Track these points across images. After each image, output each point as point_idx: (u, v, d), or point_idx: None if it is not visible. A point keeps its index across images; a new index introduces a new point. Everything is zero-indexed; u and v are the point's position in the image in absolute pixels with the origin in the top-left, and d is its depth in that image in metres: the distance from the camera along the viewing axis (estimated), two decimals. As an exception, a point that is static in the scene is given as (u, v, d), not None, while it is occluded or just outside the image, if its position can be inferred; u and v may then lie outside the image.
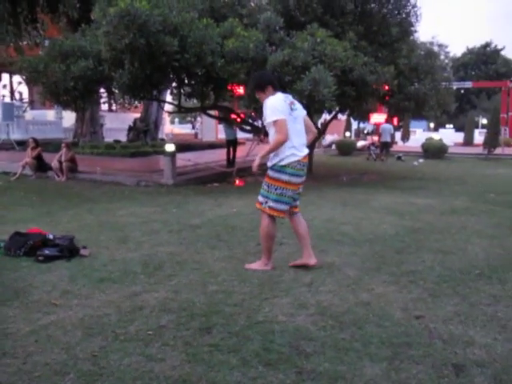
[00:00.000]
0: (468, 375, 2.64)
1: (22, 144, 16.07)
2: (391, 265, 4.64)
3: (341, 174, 13.29)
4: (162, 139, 21.85)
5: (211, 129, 26.08)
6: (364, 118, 25.09)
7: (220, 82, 9.82)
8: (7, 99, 25.76)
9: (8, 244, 4.87)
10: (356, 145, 24.97)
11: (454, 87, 30.84)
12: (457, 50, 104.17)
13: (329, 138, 27.14)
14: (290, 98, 4.40)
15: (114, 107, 27.29)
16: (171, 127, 38.58)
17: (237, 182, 11.33)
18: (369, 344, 2.96)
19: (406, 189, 10.66)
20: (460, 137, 33.57)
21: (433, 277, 4.29)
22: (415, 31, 12.30)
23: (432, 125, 50.80)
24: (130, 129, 20.09)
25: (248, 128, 13.13)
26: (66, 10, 14.23)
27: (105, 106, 25.86)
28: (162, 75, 9.57)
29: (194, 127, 38.06)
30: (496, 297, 3.82)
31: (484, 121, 44.46)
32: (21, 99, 26.43)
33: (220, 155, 15.23)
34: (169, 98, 18.25)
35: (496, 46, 57.92)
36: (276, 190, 4.24)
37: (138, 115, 20.83)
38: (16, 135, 18.33)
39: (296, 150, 4.22)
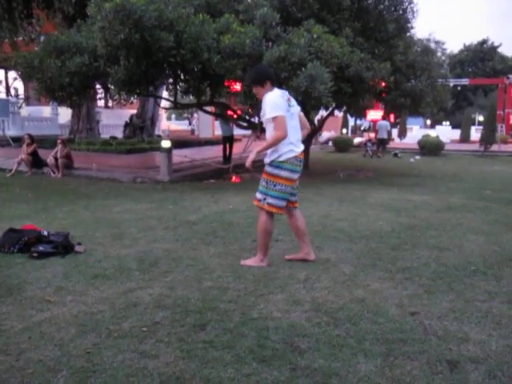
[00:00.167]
0: (462, 371, 2.63)
1: (17, 140, 15.98)
2: (387, 261, 4.63)
3: (337, 171, 13.30)
4: (159, 136, 21.79)
5: (208, 125, 26.00)
6: (361, 114, 25.09)
7: (216, 78, 9.78)
8: (2, 95, 25.66)
9: (2, 240, 4.85)
10: (353, 141, 24.98)
11: (451, 84, 30.84)
12: (454, 46, 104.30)
13: (325, 134, 27.14)
14: (286, 94, 4.39)
15: (110, 103, 27.18)
16: (168, 123, 38.52)
17: (233, 178, 11.31)
18: (363, 340, 2.96)
19: (402, 185, 10.67)
20: (457, 134, 33.61)
21: (428, 273, 4.29)
22: (412, 28, 12.29)
23: (429, 122, 50.88)
24: (127, 125, 19.99)
25: (244, 124, 13.10)
26: (62, 6, 14.15)
27: (101, 103, 25.77)
28: (157, 71, 9.53)
29: (190, 123, 37.96)
30: (491, 293, 3.82)
31: (481, 118, 44.52)
32: (16, 95, 26.31)
33: (217, 152, 15.21)
34: (165, 94, 18.19)
35: (493, 43, 58.02)
36: (275, 186, 4.23)
37: (134, 111, 20.74)
38: (11, 131, 18.26)
39: (293, 146, 4.23)
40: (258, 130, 12.79)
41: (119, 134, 20.05)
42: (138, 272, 4.26)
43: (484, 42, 58.21)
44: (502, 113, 32.32)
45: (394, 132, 30.97)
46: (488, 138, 22.96)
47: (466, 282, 4.09)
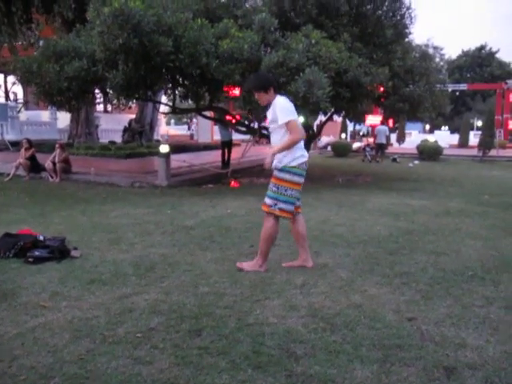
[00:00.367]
0: (459, 378, 2.61)
1: (16, 145, 15.95)
2: (384, 266, 4.61)
3: (336, 176, 13.28)
4: (158, 140, 21.77)
5: (207, 130, 26.03)
6: (359, 119, 25.11)
7: (215, 82, 9.78)
8: (1, 100, 25.65)
9: (-2, 245, 4.82)
10: (351, 146, 24.99)
11: (450, 89, 30.89)
12: (452, 52, 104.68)
13: (324, 139, 27.15)
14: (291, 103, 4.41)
15: (109, 108, 27.20)
16: (167, 128, 38.52)
17: (232, 183, 11.29)
18: (360, 346, 2.93)
19: (400, 190, 10.65)
20: (455, 139, 33.67)
21: (426, 278, 4.27)
22: (410, 33, 12.30)
23: (428, 127, 50.91)
24: (125, 130, 20.00)
25: (243, 129, 13.10)
26: (61, 11, 14.17)
27: (100, 107, 25.78)
28: (156, 76, 9.53)
29: (189, 128, 37.98)
30: (489, 298, 3.80)
31: (479, 123, 44.57)
32: (15, 100, 26.31)
33: (215, 156, 15.19)
34: (164, 99, 18.19)
35: (491, 48, 58.16)
36: (286, 191, 4.22)
37: (133, 116, 20.75)
38: (10, 136, 18.22)
39: (303, 151, 4.30)
40: (257, 135, 12.79)
41: (118, 139, 20.04)
42: (134, 277, 4.24)
43: (482, 47, 58.36)
44: (500, 118, 32.35)
45: (393, 137, 31.04)
46: (486, 143, 22.97)
47: (464, 287, 4.07)
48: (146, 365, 2.71)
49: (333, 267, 4.54)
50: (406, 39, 12.86)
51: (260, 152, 17.37)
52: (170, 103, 12.59)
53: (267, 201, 4.29)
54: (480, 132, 27.15)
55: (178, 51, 8.67)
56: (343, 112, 14.26)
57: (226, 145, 14.12)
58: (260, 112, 9.71)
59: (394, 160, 20.67)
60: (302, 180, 4.30)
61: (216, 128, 19.17)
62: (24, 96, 26.36)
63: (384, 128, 20.87)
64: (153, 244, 5.41)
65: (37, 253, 4.67)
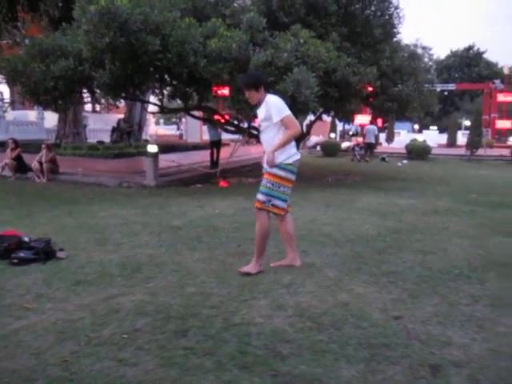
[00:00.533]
0: (444, 376, 2.61)
1: (1, 145, 15.78)
2: (372, 265, 4.62)
3: (325, 175, 13.30)
4: (146, 140, 21.63)
5: (196, 130, 25.93)
6: (349, 119, 25.17)
7: (203, 82, 9.75)
8: (-13, 99, 25.36)
9: (-18, 247, 4.75)
10: (341, 146, 25.05)
11: (438, 89, 31.09)
12: (441, 52, 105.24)
13: (314, 139, 27.20)
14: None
15: (97, 108, 27.01)
16: (156, 128, 38.34)
17: (220, 183, 11.27)
18: (346, 345, 2.93)
19: (389, 189, 10.69)
20: (444, 138, 33.89)
21: (413, 277, 4.28)
22: (398, 33, 12.37)
23: (416, 126, 51.18)
24: (114, 130, 19.85)
25: (232, 129, 13.07)
26: (47, 9, 14.00)
27: (88, 107, 25.58)
28: (143, 75, 9.47)
29: (178, 128, 37.84)
30: (475, 297, 3.81)
31: (467, 122, 44.89)
32: (1, 99, 26.02)
33: (204, 156, 15.14)
34: (152, 98, 18.11)
35: (479, 49, 58.58)
36: (280, 187, 4.23)
37: (121, 116, 20.61)
38: (-4, 136, 18.01)
39: (296, 148, 4.35)
40: (246, 134, 12.77)
41: (106, 139, 19.87)
42: (120, 278, 4.20)
43: (470, 47, 58.78)
44: (487, 118, 32.64)
45: (382, 136, 31.14)
46: (474, 143, 23.15)
47: (451, 285, 4.08)
48: (130, 366, 2.68)
49: (320, 266, 4.54)
50: (395, 39, 12.93)
51: (249, 152, 17.36)
52: (159, 103, 12.53)
53: (260, 197, 4.27)
54: (468, 131, 27.35)
55: (165, 50, 8.63)
56: (332, 112, 14.28)
57: (215, 145, 14.08)
58: (249, 111, 9.69)
59: (383, 159, 20.76)
60: (294, 177, 4.32)
61: (205, 128, 19.10)
62: (11, 95, 26.10)
63: (373, 127, 20.96)
64: (140, 244, 5.37)
65: (21, 254, 4.61)
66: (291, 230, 4.51)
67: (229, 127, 13.05)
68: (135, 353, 2.84)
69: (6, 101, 23.72)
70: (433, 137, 35.42)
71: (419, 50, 43.17)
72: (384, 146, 29.73)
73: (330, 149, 23.77)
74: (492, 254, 5.11)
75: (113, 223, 6.55)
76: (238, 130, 13.03)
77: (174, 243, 5.41)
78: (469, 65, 57.16)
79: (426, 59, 53.69)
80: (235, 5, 10.68)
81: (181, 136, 31.65)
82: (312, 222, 6.70)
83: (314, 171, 14.98)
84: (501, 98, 33.91)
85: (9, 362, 2.73)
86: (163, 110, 12.85)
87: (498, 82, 34.48)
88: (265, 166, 4.32)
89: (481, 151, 23.55)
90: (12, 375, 2.59)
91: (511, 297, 3.82)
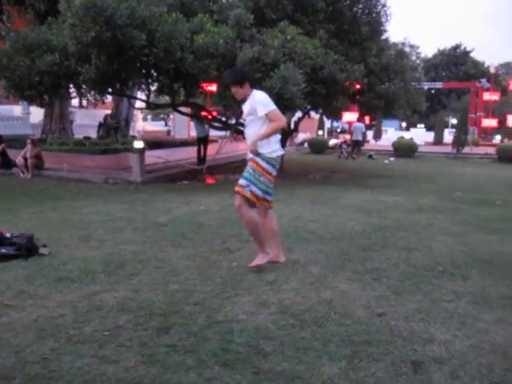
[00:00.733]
0: (426, 372, 2.62)
1: (-14, 140, 15.58)
2: (356, 262, 4.62)
3: (312, 172, 13.31)
4: (134, 136, 21.53)
5: (184, 126, 25.84)
6: (336, 116, 25.22)
7: (190, 78, 9.70)
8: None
9: (-38, 243, 4.68)
10: (328, 143, 25.11)
11: (425, 87, 31.35)
12: (428, 51, 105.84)
13: (301, 136, 27.23)
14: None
15: (84, 103, 26.79)
16: (144, 124, 38.15)
17: (207, 179, 11.23)
18: (329, 343, 2.93)
19: (375, 187, 10.73)
20: (430, 136, 34.12)
21: (396, 274, 4.29)
22: (385, 31, 12.40)
23: (404, 124, 51.48)
24: (101, 125, 19.72)
25: (219, 125, 13.03)
26: (33, 2, 13.85)
27: (75, 102, 25.36)
28: (130, 70, 9.39)
29: (166, 124, 37.67)
30: (457, 293, 3.84)
31: (454, 121, 45.26)
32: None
33: (191, 153, 15.07)
34: (139, 94, 17.99)
35: (465, 48, 59.09)
36: (260, 176, 4.23)
37: (108, 112, 20.47)
38: (-19, 131, 17.79)
39: (279, 144, 4.36)
40: (233, 130, 12.72)
41: (93, 135, 19.75)
42: (103, 274, 4.16)
43: (457, 46, 59.26)
44: (474, 116, 32.92)
45: (369, 134, 31.28)
46: (460, 141, 23.34)
47: (434, 282, 4.10)
48: (111, 364, 2.66)
49: (305, 263, 4.53)
50: (382, 37, 12.96)
51: (236, 149, 17.31)
52: (146, 98, 12.44)
53: (241, 181, 4.25)
54: (454, 130, 27.58)
55: (152, 45, 8.56)
56: (320, 109, 14.30)
57: (202, 141, 14.01)
58: (236, 108, 9.66)
59: (370, 157, 20.85)
60: (274, 172, 4.32)
61: (192, 124, 19.03)
62: (-4, 90, 25.75)
63: (360, 125, 21.03)
64: (124, 241, 5.32)
65: (3, 250, 4.54)
66: (274, 227, 4.50)
67: (216, 123, 13.00)
68: (116, 350, 2.81)
69: (-10, 95, 23.42)
70: (420, 135, 35.65)
71: (407, 49, 43.49)
72: (371, 144, 29.88)
73: (317, 146, 23.82)
74: (475, 251, 5.15)
75: (97, 219, 6.49)
76: (225, 127, 12.99)
77: (159, 240, 5.38)
78: (456, 63, 57.65)
79: (414, 57, 54.09)
80: (223, 1, 10.63)
81: (168, 132, 31.51)
82: (297, 218, 6.70)
83: (301, 168, 15.01)
84: (487, 96, 34.24)
85: (-13, 359, 2.69)
86: (150, 106, 12.76)
87: (484, 80, 34.77)
88: (249, 155, 4.31)
89: (467, 149, 23.76)
90: (-10, 373, 2.55)
91: (493, 293, 3.85)
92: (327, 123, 33.34)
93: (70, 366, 2.62)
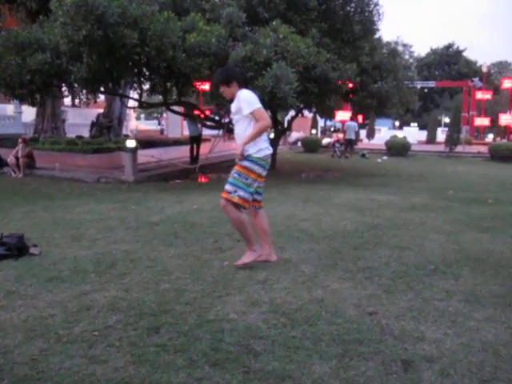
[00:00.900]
0: (416, 371, 2.62)
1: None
2: (348, 261, 4.62)
3: (305, 171, 13.32)
4: (127, 135, 21.46)
5: (177, 125, 25.81)
6: (330, 115, 25.26)
7: (182, 77, 9.67)
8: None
9: (-49, 243, 4.63)
10: (321, 142, 25.14)
11: (418, 86, 31.44)
12: (421, 50, 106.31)
13: (295, 135, 27.24)
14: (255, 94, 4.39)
15: (77, 102, 26.65)
16: (137, 123, 38.04)
17: (200, 178, 11.20)
18: (319, 342, 2.92)
19: (368, 185, 10.75)
20: (423, 135, 34.23)
21: (388, 273, 4.29)
22: (377, 29, 12.42)
23: (397, 123, 51.64)
24: (93, 124, 19.65)
25: (212, 124, 13.00)
26: (25, 1, 13.76)
27: (68, 101, 25.24)
28: (122, 69, 9.34)
29: (159, 123, 37.57)
30: (449, 292, 3.84)
31: (447, 119, 45.44)
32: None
33: (184, 152, 15.05)
34: (132, 93, 17.93)
35: (458, 47, 59.33)
36: (246, 179, 4.20)
37: (101, 111, 20.39)
38: (-28, 130, 17.67)
39: (267, 143, 4.33)
40: (225, 129, 12.70)
41: (86, 134, 19.68)
42: (94, 274, 4.14)
43: (450, 46, 59.47)
44: (466, 115, 33.04)
45: (362, 133, 31.35)
46: (453, 140, 23.43)
47: (425, 281, 4.11)
48: (100, 364, 2.64)
49: (296, 262, 4.53)
50: (375, 36, 12.99)
51: (228, 147, 17.29)
52: (138, 97, 12.39)
53: (227, 187, 4.25)
54: (447, 129, 27.69)
55: (143, 44, 8.53)
56: (313, 108, 14.30)
57: (195, 140, 13.99)
58: (228, 106, 9.64)
59: (363, 156, 20.88)
60: (264, 172, 4.29)
61: (185, 123, 18.99)
62: (-13, 89, 25.56)
63: (353, 124, 21.05)
64: (115, 240, 5.30)
65: (-7, 250, 4.51)
66: (265, 226, 4.50)
67: (208, 122, 12.97)
68: (106, 350, 2.79)
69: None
70: (413, 133, 35.78)
71: (400, 48, 43.56)
72: (364, 143, 29.95)
73: (310, 145, 23.84)
74: (467, 250, 5.16)
75: (89, 219, 6.46)
76: (218, 126, 12.97)
77: (151, 239, 5.36)
78: (448, 63, 57.87)
79: (407, 56, 54.23)
80: (215, -1, 10.60)
81: (162, 131, 31.46)
82: (290, 217, 6.70)
83: (294, 167, 15.01)
84: (479, 95, 34.38)
85: (-25, 360, 2.66)
86: (142, 105, 12.71)
87: (476, 80, 34.89)
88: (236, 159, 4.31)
89: (459, 148, 23.85)
90: (-23, 374, 2.52)
91: (484, 292, 3.86)
92: (320, 122, 33.39)
93: (58, 367, 2.60)
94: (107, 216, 6.65)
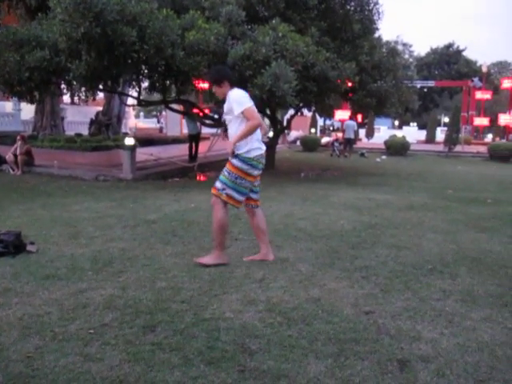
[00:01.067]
0: (412, 370, 2.62)
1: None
2: (345, 260, 4.62)
3: (304, 170, 13.31)
4: (126, 133, 21.43)
5: (176, 123, 25.75)
6: (329, 114, 25.25)
7: (181, 75, 9.65)
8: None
9: None
10: (320, 141, 25.13)
11: (418, 86, 31.40)
12: (421, 49, 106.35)
13: (294, 133, 27.23)
14: (247, 93, 4.36)
15: (76, 100, 26.61)
16: (136, 121, 37.98)
17: (198, 177, 11.20)
18: (315, 341, 2.92)
19: (366, 185, 10.75)
20: (423, 134, 34.22)
21: (385, 272, 4.29)
22: (377, 28, 12.40)
23: (397, 122, 51.63)
24: (92, 122, 19.61)
25: (210, 122, 12.99)
26: (24, -2, 13.73)
27: (67, 99, 25.19)
28: (120, 67, 9.31)
29: (159, 121, 37.53)
30: (446, 291, 3.84)
31: (446, 119, 45.45)
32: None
33: (183, 150, 15.03)
34: (131, 91, 17.89)
35: (458, 46, 59.29)
36: (236, 179, 4.20)
37: (100, 108, 20.35)
38: (-29, 127, 17.64)
39: (260, 143, 4.30)
40: (223, 128, 12.69)
41: (85, 131, 19.64)
42: (90, 272, 4.13)
43: (450, 45, 59.43)
44: (466, 115, 33.05)
45: (362, 132, 31.33)
46: (452, 139, 23.43)
47: (423, 280, 4.10)
48: (95, 362, 2.63)
49: (293, 261, 4.52)
50: (375, 35, 12.98)
51: (227, 146, 17.28)
52: (136, 95, 12.37)
53: (217, 184, 4.28)
54: (446, 128, 27.69)
55: (142, 42, 8.50)
56: (313, 107, 14.29)
57: (194, 138, 13.97)
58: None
59: (362, 155, 20.87)
60: (256, 172, 4.27)
61: (184, 121, 18.97)
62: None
63: (352, 123, 21.03)
64: (113, 238, 5.29)
65: (-10, 247, 4.50)
66: (262, 225, 4.50)
67: (207, 121, 12.96)
68: (101, 348, 2.79)
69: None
70: (412, 133, 35.76)
71: (400, 47, 43.49)
72: (364, 142, 29.93)
73: (309, 144, 23.81)
74: (464, 250, 5.16)
75: (87, 216, 6.45)
76: (217, 124, 12.95)
77: (148, 237, 5.35)
78: (448, 62, 57.84)
79: (407, 56, 54.19)
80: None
81: (161, 129, 31.40)
82: (288, 216, 6.69)
83: (293, 166, 15.01)
84: (479, 95, 34.38)
85: (-31, 358, 2.66)
86: (141, 103, 12.69)
87: (476, 79, 34.90)
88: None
89: (458, 148, 23.85)
90: (-28, 372, 2.52)
91: (481, 292, 3.86)
92: (320, 121, 33.38)
93: (53, 365, 2.60)
94: (105, 214, 6.64)
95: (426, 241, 5.52)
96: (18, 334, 2.96)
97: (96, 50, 8.46)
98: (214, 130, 15.98)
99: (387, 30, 50.59)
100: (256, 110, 4.23)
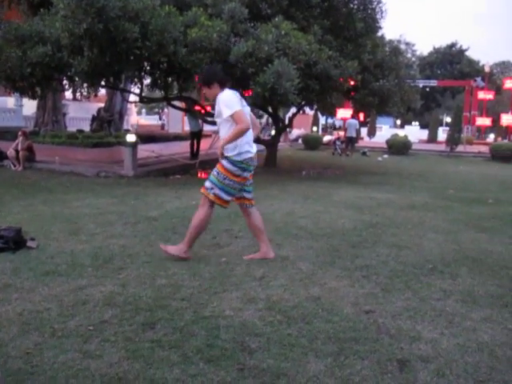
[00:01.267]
0: (412, 370, 2.61)
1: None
2: (346, 259, 4.61)
3: (305, 168, 13.29)
4: (127, 130, 21.42)
5: (178, 120, 25.70)
6: (331, 112, 25.22)
7: (183, 72, 9.64)
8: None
9: (-51, 235, 4.62)
10: (322, 139, 25.11)
11: (420, 85, 31.36)
12: (424, 49, 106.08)
13: (295, 132, 27.21)
14: (238, 94, 4.33)
15: (78, 96, 26.60)
16: (138, 118, 37.96)
17: (199, 174, 11.19)
18: (315, 339, 2.91)
19: (368, 184, 10.73)
20: (425, 134, 34.18)
21: (386, 271, 4.28)
22: (380, 27, 12.37)
23: (399, 122, 51.56)
24: (94, 118, 19.59)
25: (212, 120, 12.95)
26: (27, -7, 13.70)
27: (69, 95, 25.18)
28: (122, 63, 9.30)
29: (160, 118, 37.49)
30: (446, 291, 3.83)
31: (448, 119, 45.37)
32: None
33: (185, 147, 15.02)
34: (133, 88, 17.87)
35: (461, 46, 59.22)
36: (224, 179, 4.21)
37: (102, 105, 20.34)
38: (-28, 123, 17.63)
39: (249, 146, 4.28)
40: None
41: (86, 128, 19.62)
42: (91, 268, 4.13)
43: (453, 45, 59.35)
44: (468, 115, 33.00)
45: (364, 131, 31.30)
46: (454, 139, 23.39)
47: (423, 280, 4.09)
48: (95, 359, 2.63)
49: (294, 259, 4.52)
50: (378, 33, 12.95)
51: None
52: (138, 92, 12.35)
53: (206, 183, 4.31)
54: (448, 128, 27.64)
55: (144, 38, 8.49)
56: (315, 105, 14.27)
57: (195, 135, 13.97)
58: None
59: (364, 154, 20.86)
60: (245, 174, 4.27)
61: (186, 118, 18.94)
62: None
63: (354, 122, 21.02)
64: (113, 235, 5.29)
65: (-10, 243, 4.50)
66: (259, 224, 4.49)
67: (209, 118, 12.93)
68: (100, 345, 2.78)
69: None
70: (414, 132, 35.73)
71: (402, 46, 43.54)
72: (365, 141, 29.89)
73: (311, 142, 23.80)
74: (465, 250, 5.15)
75: (88, 213, 6.45)
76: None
77: (149, 234, 5.35)
78: (451, 62, 57.77)
79: (409, 55, 54.12)
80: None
81: (163, 126, 31.35)
82: (289, 214, 6.68)
83: (295, 164, 14.99)
84: (481, 95, 34.32)
85: (-31, 353, 2.66)
86: (143, 100, 12.67)
87: (479, 79, 34.83)
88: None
89: (460, 147, 23.82)
90: (-29, 367, 2.51)
91: (481, 292, 3.85)
92: (322, 119, 33.35)
93: (52, 361, 2.59)
94: (106, 210, 6.64)
95: (427, 240, 5.50)
96: (17, 330, 2.96)
97: (98, 46, 8.45)
98: (215, 128, 15.98)
99: (390, 28, 50.40)
100: (246, 114, 4.19)
